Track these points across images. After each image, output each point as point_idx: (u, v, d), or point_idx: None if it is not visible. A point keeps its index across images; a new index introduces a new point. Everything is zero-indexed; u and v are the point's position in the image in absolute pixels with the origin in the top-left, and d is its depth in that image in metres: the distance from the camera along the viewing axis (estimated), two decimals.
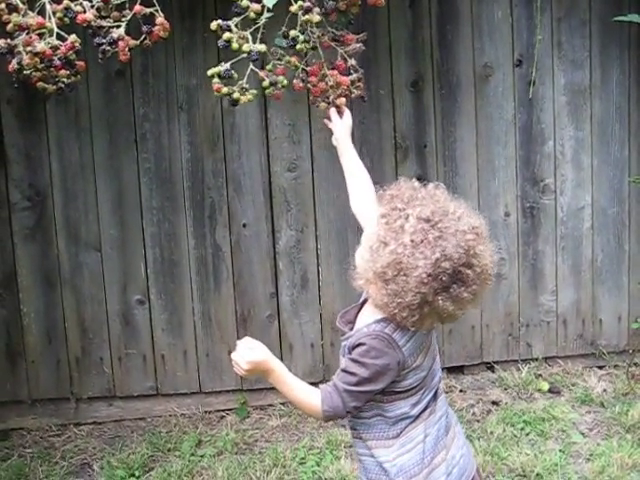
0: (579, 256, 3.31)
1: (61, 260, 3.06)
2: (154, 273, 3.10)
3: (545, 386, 3.17)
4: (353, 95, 2.13)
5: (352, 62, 2.12)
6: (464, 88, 3.16)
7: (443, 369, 3.26)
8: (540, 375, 3.25)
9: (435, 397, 1.57)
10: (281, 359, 3.13)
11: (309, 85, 2.09)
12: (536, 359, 3.31)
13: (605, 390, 3.15)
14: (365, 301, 1.57)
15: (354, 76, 2.14)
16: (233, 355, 1.51)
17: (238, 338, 3.09)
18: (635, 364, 3.29)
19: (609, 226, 3.31)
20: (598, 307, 3.35)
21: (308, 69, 2.10)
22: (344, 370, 1.48)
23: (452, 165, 3.18)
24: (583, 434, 2.84)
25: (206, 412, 3.16)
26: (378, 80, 3.10)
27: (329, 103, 2.06)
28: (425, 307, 1.38)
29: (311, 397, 1.50)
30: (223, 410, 3.18)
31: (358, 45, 2.14)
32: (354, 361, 1.45)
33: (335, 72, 2.08)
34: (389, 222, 1.40)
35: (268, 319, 3.17)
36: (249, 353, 1.52)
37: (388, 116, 3.13)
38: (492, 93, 3.18)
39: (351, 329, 1.55)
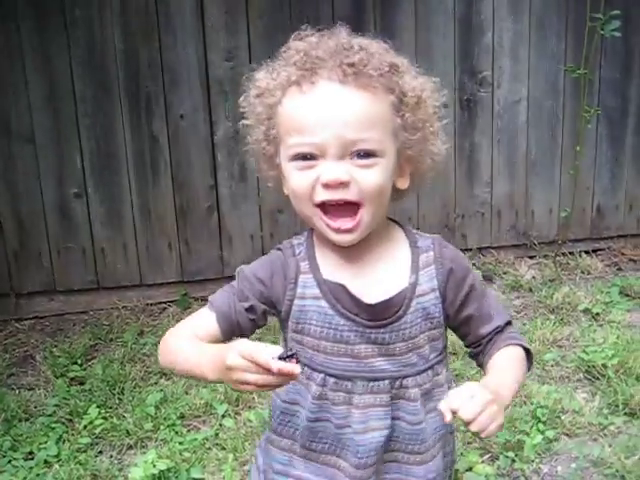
0: (514, 149, 3.38)
1: None
2: (90, 166, 3.05)
3: (478, 274, 3.29)
4: None
5: None
6: None
7: None
8: (474, 264, 3.36)
9: None
10: (220, 250, 3.23)
11: None
12: (470, 249, 3.42)
13: (534, 277, 3.29)
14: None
15: None
16: (474, 426, 0.98)
17: (177, 231, 3.17)
18: (563, 254, 3.43)
19: (544, 119, 3.37)
20: (531, 199, 3.45)
21: None
22: (477, 293, 1.17)
23: None
24: (511, 316, 2.98)
25: (148, 304, 3.20)
26: None
27: None
28: None
29: (522, 357, 1.18)
30: (165, 302, 3.22)
31: None
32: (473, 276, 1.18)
33: None
34: None
35: (207, 211, 3.17)
36: (479, 405, 0.99)
37: (327, 4, 3.07)
38: None
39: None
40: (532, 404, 2.30)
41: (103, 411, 2.42)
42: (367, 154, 1.04)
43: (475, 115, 3.30)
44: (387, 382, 1.13)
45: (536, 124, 3.36)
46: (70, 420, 2.40)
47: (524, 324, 2.88)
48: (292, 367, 0.94)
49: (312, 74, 1.04)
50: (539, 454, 2.13)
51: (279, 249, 1.17)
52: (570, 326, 2.84)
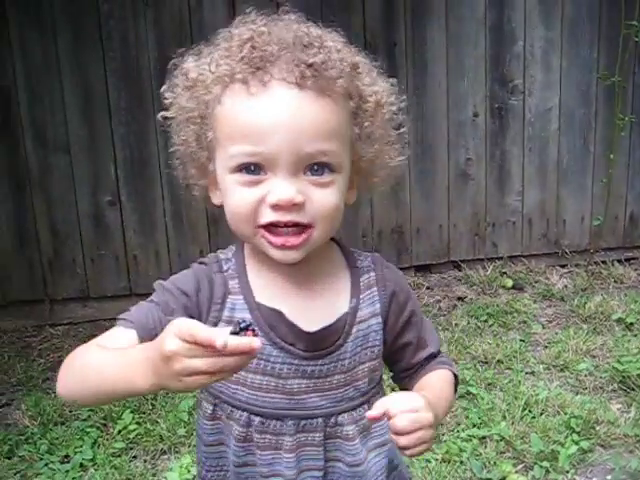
0: (545, 157, 3.36)
1: (29, 162, 3.04)
2: (124, 174, 3.09)
3: (509, 283, 3.27)
4: None
5: None
6: None
7: (412, 267, 3.36)
8: (505, 273, 3.35)
9: None
10: None
11: None
12: (501, 258, 3.40)
13: (566, 286, 3.27)
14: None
15: None
16: (403, 440, 0.89)
17: (209, 238, 3.20)
18: (595, 262, 3.40)
19: (576, 128, 3.35)
20: (562, 208, 3.42)
21: None
22: (417, 319, 1.07)
23: (422, 65, 3.17)
24: (543, 325, 2.96)
25: None
26: None
27: None
28: None
29: (451, 381, 1.07)
30: None
31: None
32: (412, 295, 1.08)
33: None
34: None
35: None
36: (417, 422, 0.89)
37: (358, 14, 3.09)
38: None
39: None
40: (566, 414, 2.28)
41: (137, 416, 2.45)
42: (324, 169, 0.90)
43: (506, 123, 3.29)
44: (321, 420, 1.00)
45: (568, 132, 3.34)
46: (104, 425, 2.43)
47: (556, 333, 2.85)
48: (249, 340, 0.74)
49: (263, 72, 0.88)
50: (574, 465, 2.11)
51: (203, 263, 1.01)
52: (603, 336, 2.81)
